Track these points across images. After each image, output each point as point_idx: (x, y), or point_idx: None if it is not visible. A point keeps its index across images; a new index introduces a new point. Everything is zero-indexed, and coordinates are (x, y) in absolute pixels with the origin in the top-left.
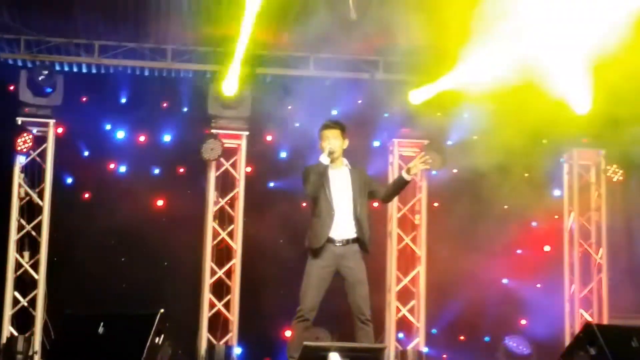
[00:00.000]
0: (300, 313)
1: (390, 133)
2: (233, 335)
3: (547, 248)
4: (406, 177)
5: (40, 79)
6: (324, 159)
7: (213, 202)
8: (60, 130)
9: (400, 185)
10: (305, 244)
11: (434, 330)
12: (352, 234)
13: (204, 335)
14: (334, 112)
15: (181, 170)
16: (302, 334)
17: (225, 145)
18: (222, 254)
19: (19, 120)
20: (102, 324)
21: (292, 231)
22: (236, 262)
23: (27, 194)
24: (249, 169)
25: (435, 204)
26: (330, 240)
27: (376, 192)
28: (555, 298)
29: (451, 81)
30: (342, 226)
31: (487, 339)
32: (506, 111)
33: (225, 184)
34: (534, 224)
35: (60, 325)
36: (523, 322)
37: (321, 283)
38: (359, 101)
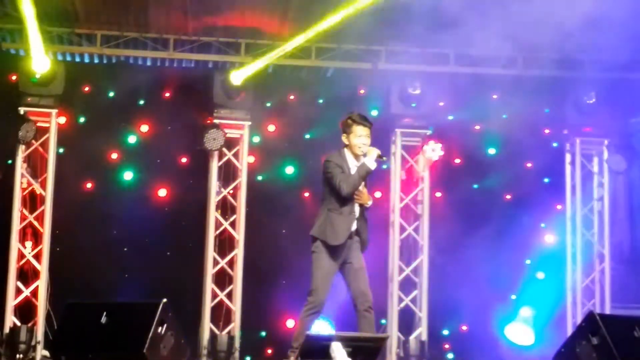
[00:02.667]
0: (311, 305)
1: (394, 123)
2: (235, 325)
3: (549, 238)
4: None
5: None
6: (371, 164)
7: (215, 192)
8: (62, 120)
9: None
10: (314, 233)
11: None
12: (355, 226)
13: (207, 325)
14: (336, 102)
15: (183, 160)
16: (310, 326)
17: (228, 135)
18: (225, 244)
19: (22, 110)
20: (104, 313)
21: (294, 221)
22: (238, 252)
23: (29, 184)
24: (251, 159)
25: (438, 194)
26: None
27: None
28: (558, 288)
29: None
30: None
31: (489, 328)
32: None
33: (228, 174)
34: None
35: (63, 314)
36: (525, 311)
37: (332, 276)
38: (362, 91)
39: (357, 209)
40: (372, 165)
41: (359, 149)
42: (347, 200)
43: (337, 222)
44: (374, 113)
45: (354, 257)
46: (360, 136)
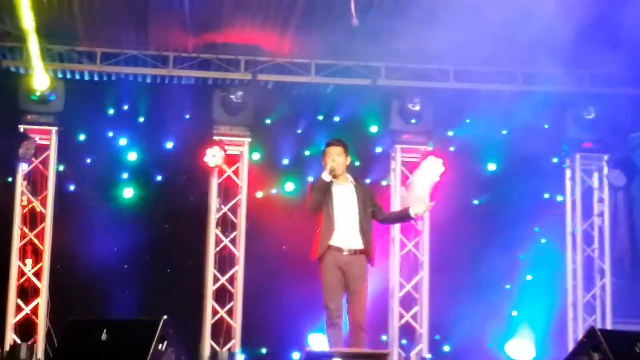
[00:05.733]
0: (327, 318)
1: (393, 139)
2: (236, 341)
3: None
4: (412, 215)
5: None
6: (325, 176)
7: (215, 209)
8: (62, 137)
9: (403, 219)
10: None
11: (437, 337)
12: (359, 245)
13: (207, 341)
14: (336, 119)
15: (183, 177)
16: (337, 340)
17: (227, 152)
18: (225, 261)
19: (21, 127)
20: (105, 330)
21: (294, 238)
22: (239, 268)
23: (29, 201)
24: (251, 176)
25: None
26: (335, 249)
27: (376, 212)
28: (559, 302)
29: None
30: (348, 238)
31: (490, 345)
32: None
33: (228, 190)
34: (536, 229)
35: (63, 331)
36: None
37: (339, 284)
38: (361, 107)
39: (348, 222)
40: (326, 178)
41: (327, 166)
42: (324, 216)
43: (320, 237)
44: (374, 129)
45: (351, 276)
46: (329, 155)
